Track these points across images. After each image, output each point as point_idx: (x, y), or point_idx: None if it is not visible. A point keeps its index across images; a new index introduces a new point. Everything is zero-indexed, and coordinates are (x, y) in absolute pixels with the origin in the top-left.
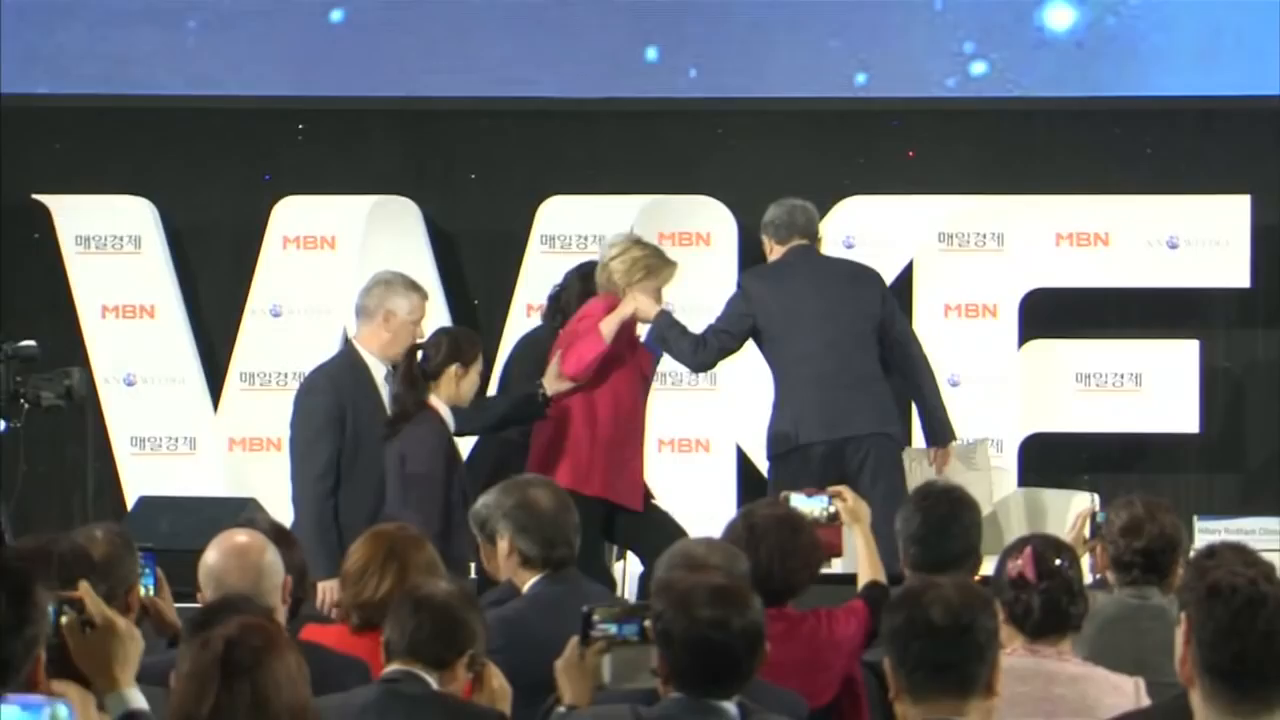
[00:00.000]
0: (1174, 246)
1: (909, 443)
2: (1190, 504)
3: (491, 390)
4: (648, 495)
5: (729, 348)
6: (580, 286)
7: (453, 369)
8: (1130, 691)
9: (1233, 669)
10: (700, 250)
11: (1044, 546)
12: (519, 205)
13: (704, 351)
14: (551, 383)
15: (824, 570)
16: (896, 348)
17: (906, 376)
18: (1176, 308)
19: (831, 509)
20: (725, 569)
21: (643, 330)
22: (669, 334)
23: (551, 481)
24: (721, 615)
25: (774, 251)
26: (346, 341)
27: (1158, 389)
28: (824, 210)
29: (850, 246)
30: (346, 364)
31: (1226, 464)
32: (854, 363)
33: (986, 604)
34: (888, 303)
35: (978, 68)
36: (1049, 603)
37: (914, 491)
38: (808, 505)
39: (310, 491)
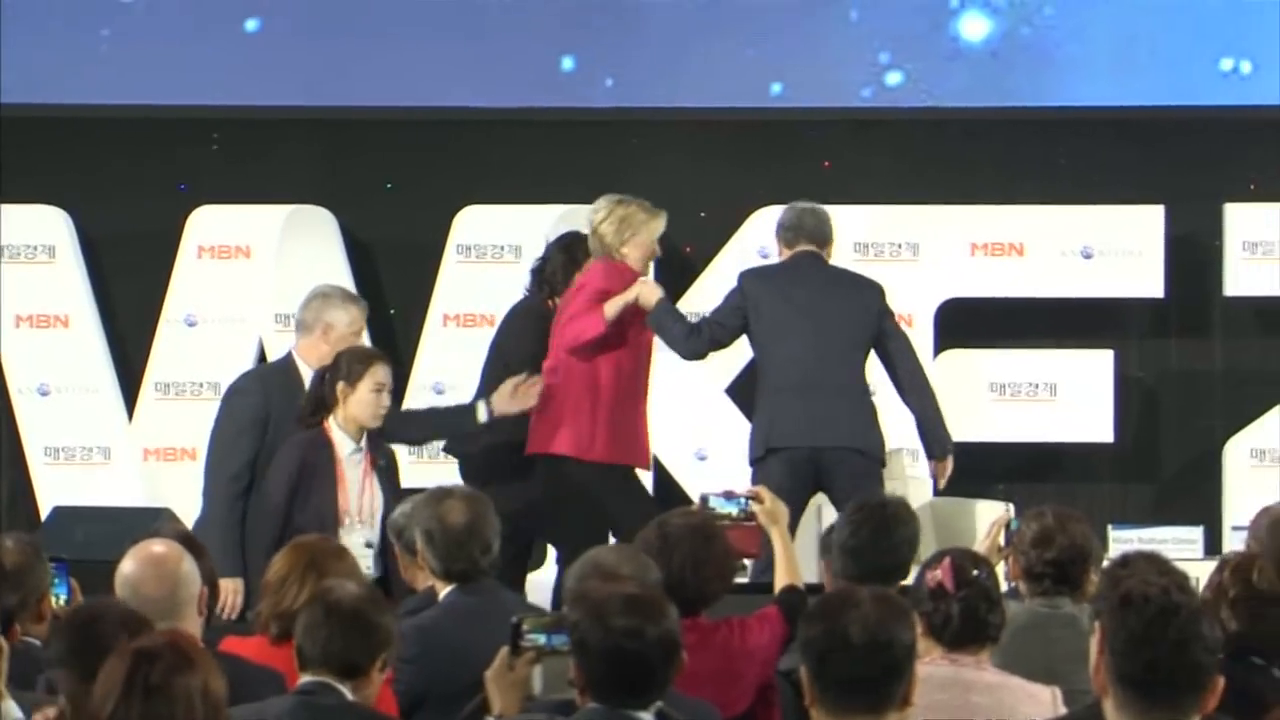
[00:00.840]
0: (1088, 256)
1: (883, 459)
2: (1104, 513)
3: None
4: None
5: (720, 339)
6: (563, 257)
7: (339, 388)
8: (1047, 700)
9: (1145, 677)
10: None
11: (962, 558)
12: (435, 215)
13: (696, 339)
14: (501, 403)
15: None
16: (892, 361)
17: (904, 390)
18: (1091, 318)
19: (748, 509)
20: (637, 578)
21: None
22: (665, 319)
23: (475, 494)
24: (637, 624)
25: (783, 255)
26: (289, 352)
27: (1072, 399)
28: (739, 221)
29: (765, 256)
30: (281, 371)
31: (1140, 473)
32: (839, 373)
33: (905, 616)
34: (886, 316)
35: (893, 78)
36: (967, 612)
37: (850, 503)
38: (725, 506)
39: (222, 491)
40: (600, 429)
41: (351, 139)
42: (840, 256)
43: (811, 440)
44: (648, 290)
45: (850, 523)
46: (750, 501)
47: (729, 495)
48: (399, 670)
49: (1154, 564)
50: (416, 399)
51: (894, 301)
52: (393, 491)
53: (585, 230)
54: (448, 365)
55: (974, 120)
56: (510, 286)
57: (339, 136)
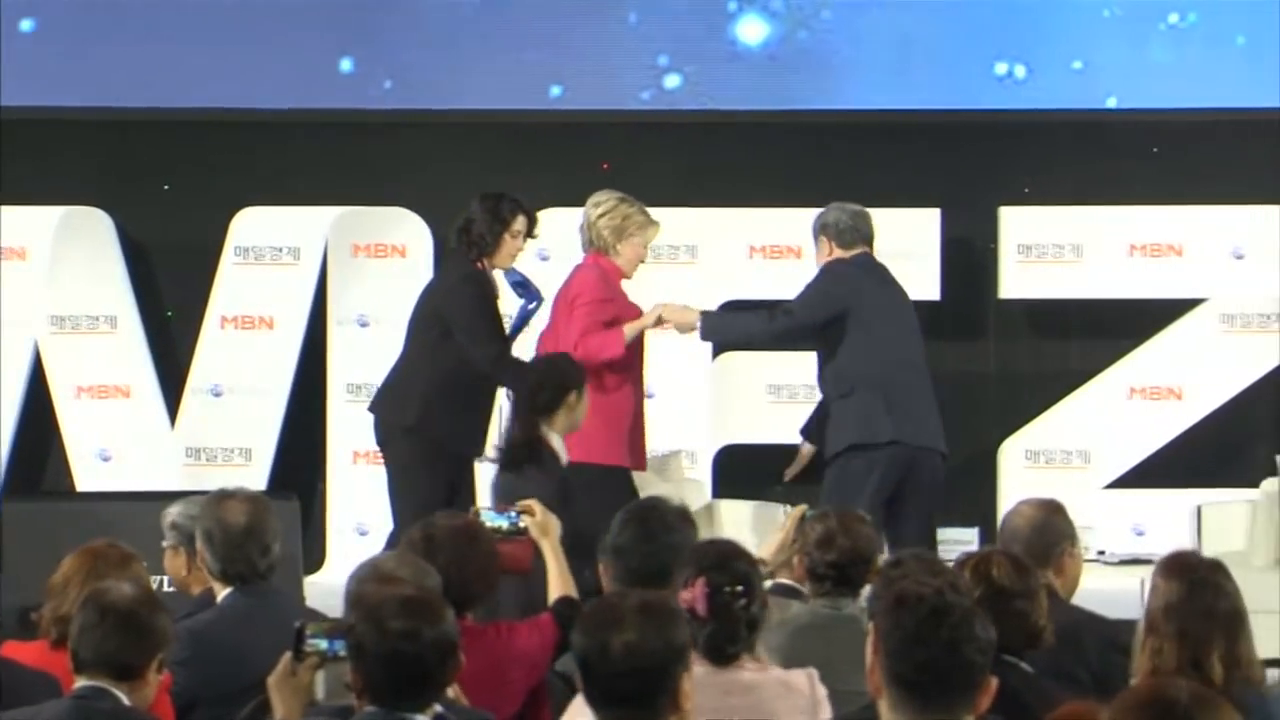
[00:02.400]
0: None
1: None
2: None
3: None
4: None
5: (809, 325)
6: (489, 217)
7: (571, 397)
8: (804, 686)
9: (918, 678)
10: (395, 262)
11: (719, 577)
12: (213, 216)
13: (784, 323)
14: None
15: None
16: None
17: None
18: None
19: (520, 523)
20: (415, 582)
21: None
22: (724, 321)
23: (256, 496)
24: (412, 627)
25: (835, 255)
26: None
27: None
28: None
29: (545, 259)
30: None
31: (963, 472)
32: (927, 375)
33: (671, 626)
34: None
35: (672, 81)
36: (718, 637)
37: (628, 505)
38: (495, 520)
39: None
40: (635, 437)
41: (128, 140)
42: None
43: (919, 440)
44: (681, 317)
45: (619, 522)
46: (521, 515)
47: (500, 509)
48: (173, 672)
49: (926, 565)
50: (193, 401)
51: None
52: None
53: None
54: (225, 367)
55: (752, 123)
56: (289, 289)
57: (115, 137)
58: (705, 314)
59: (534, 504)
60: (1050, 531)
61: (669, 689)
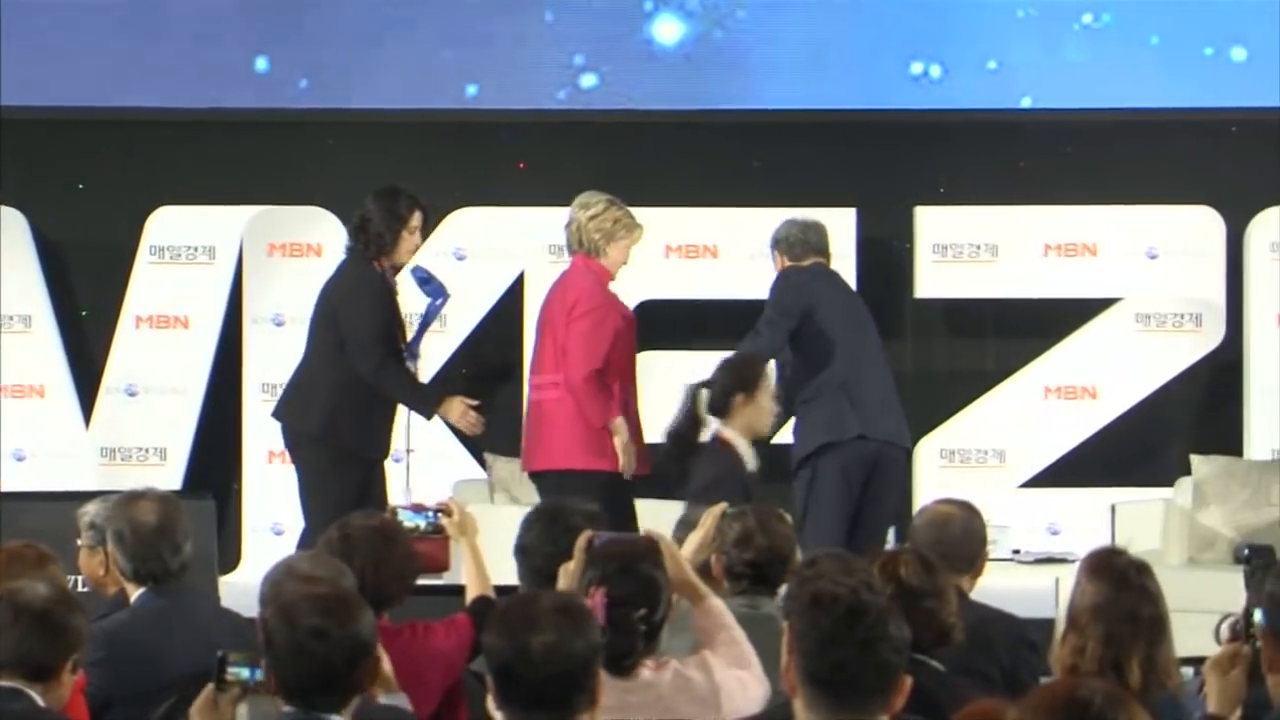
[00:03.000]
0: None
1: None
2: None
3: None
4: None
5: (776, 341)
6: (384, 214)
7: (737, 399)
8: (699, 677)
9: (833, 677)
10: (311, 261)
11: (619, 588)
12: (128, 215)
13: (750, 343)
14: (453, 416)
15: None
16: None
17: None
18: None
19: (438, 523)
20: (331, 581)
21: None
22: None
23: (167, 495)
24: (323, 625)
25: (783, 267)
26: None
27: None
28: (435, 223)
29: (461, 258)
30: None
31: None
32: (889, 374)
33: (585, 627)
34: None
35: (588, 80)
36: (614, 649)
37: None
38: (413, 519)
39: None
40: (596, 439)
41: (43, 139)
42: (534, 259)
43: (884, 435)
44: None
45: (525, 521)
46: (440, 514)
47: (417, 508)
48: (87, 673)
49: (841, 564)
50: (108, 400)
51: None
52: None
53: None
54: (140, 366)
55: (668, 123)
56: (204, 288)
57: (29, 137)
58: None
59: (453, 503)
60: (976, 536)
61: (588, 688)
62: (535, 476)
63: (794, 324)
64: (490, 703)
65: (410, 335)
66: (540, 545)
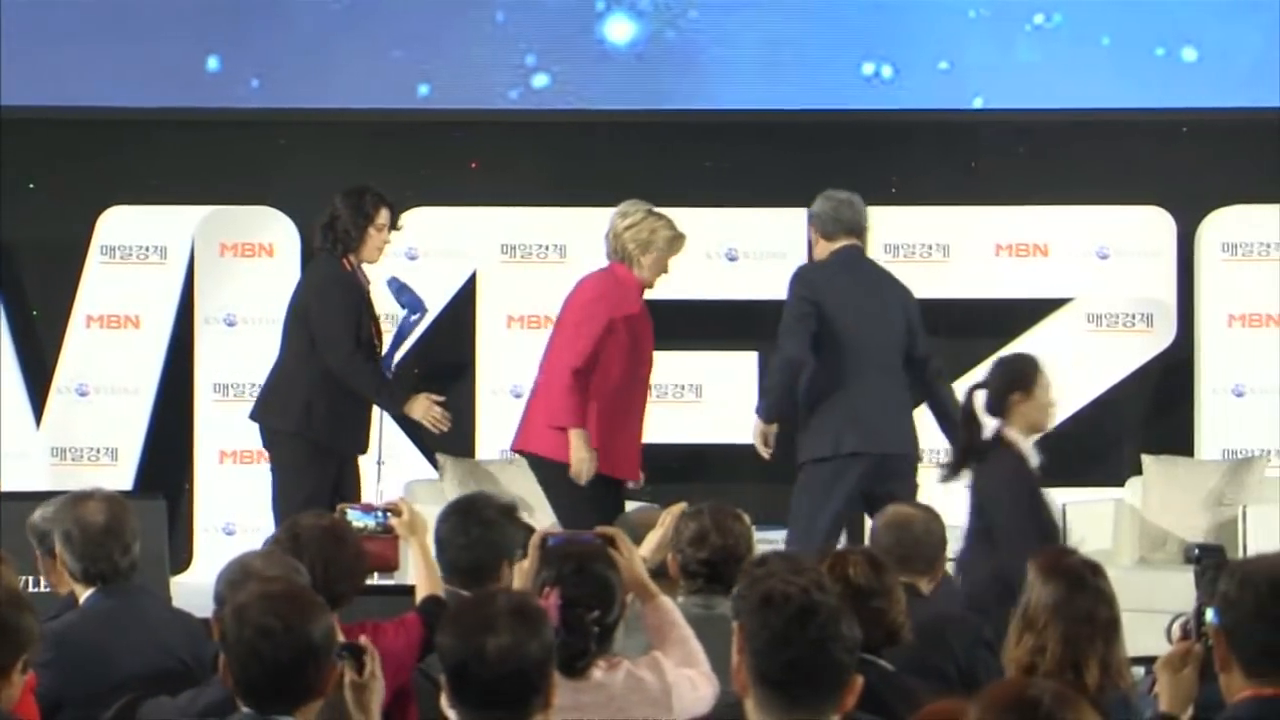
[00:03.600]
0: (733, 259)
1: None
2: (750, 514)
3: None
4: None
5: (796, 352)
6: (351, 212)
7: (1014, 397)
8: (651, 678)
9: (785, 677)
10: (263, 261)
11: (573, 589)
12: (79, 215)
13: (778, 359)
14: (417, 412)
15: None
16: (919, 364)
17: (931, 394)
18: (736, 319)
19: (386, 522)
20: (286, 580)
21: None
22: (766, 399)
23: (114, 495)
24: (271, 625)
25: (820, 246)
26: None
27: (718, 400)
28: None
29: (414, 258)
30: None
31: (783, 473)
32: (900, 378)
33: (539, 627)
34: (916, 316)
35: (540, 80)
36: (566, 650)
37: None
38: (361, 520)
39: None
40: (593, 439)
41: None
42: (486, 259)
43: (882, 447)
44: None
45: (441, 514)
46: (389, 514)
47: (367, 508)
48: (37, 674)
49: (790, 563)
50: (59, 401)
51: (542, 303)
52: None
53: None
54: (92, 366)
55: (620, 123)
56: (155, 288)
57: None
58: (768, 404)
59: (402, 503)
60: (935, 538)
61: (542, 689)
62: (521, 454)
63: (808, 329)
64: (443, 702)
65: (385, 347)
66: (453, 538)
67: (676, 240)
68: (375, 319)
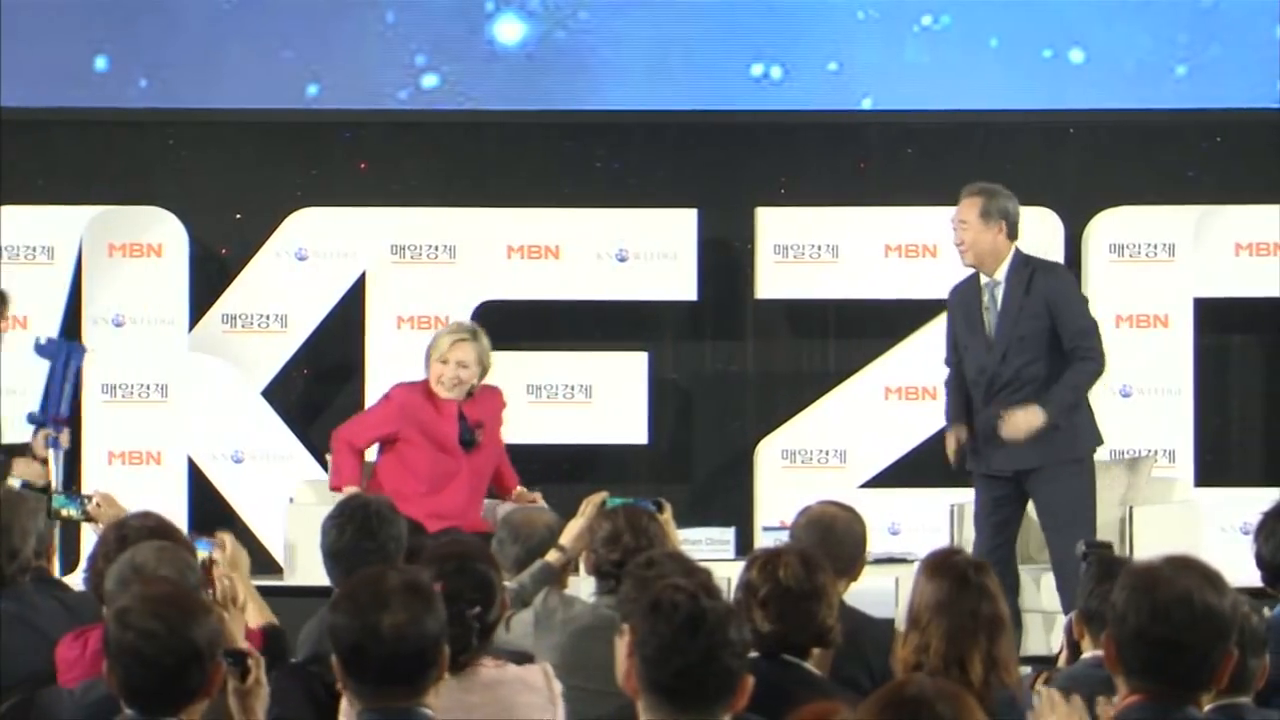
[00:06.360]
0: (623, 259)
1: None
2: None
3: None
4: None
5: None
6: None
7: None
8: (540, 682)
9: (675, 685)
10: (151, 261)
11: (456, 584)
12: None
13: (1096, 352)
14: None
15: None
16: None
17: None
18: (626, 320)
19: (87, 509)
20: (172, 582)
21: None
22: (1057, 399)
23: (6, 496)
24: (152, 627)
25: (1004, 246)
26: None
27: (608, 400)
28: (276, 222)
29: (303, 258)
30: None
31: (675, 474)
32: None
33: (432, 606)
34: None
35: (429, 80)
36: (453, 642)
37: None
38: (67, 506)
39: None
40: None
41: None
42: (377, 259)
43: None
44: (1028, 421)
45: (335, 524)
46: (215, 546)
47: (73, 495)
48: None
49: (679, 564)
50: None
51: (431, 304)
52: None
53: None
54: None
55: (510, 123)
56: (44, 288)
57: None
58: (1044, 409)
59: (227, 537)
60: (856, 539)
61: (439, 662)
62: None
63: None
64: (339, 684)
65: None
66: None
67: (441, 340)
68: None
